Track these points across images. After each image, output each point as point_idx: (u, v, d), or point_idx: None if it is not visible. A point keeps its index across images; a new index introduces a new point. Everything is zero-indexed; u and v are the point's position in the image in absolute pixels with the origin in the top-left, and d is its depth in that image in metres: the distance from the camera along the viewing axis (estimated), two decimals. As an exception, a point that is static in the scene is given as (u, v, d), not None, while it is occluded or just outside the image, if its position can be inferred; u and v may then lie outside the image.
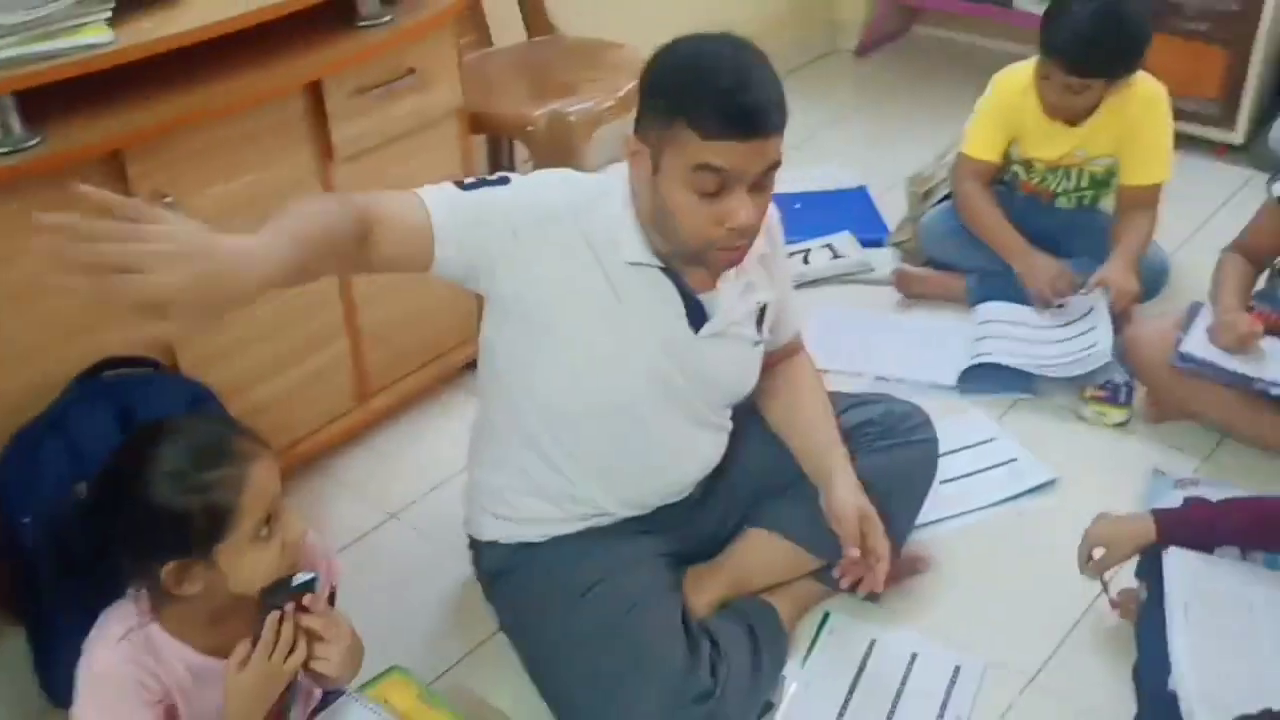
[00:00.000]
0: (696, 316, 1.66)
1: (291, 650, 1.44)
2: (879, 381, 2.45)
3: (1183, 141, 2.64)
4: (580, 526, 1.78)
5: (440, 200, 1.53)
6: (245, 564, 1.40)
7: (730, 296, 1.68)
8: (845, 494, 1.73)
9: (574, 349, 1.63)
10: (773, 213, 1.70)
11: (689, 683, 1.63)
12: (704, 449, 1.81)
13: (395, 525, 2.17)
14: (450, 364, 2.43)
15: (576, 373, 1.64)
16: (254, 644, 1.44)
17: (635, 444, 1.72)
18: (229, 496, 1.37)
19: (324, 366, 2.18)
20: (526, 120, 2.45)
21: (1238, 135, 3.25)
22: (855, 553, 1.69)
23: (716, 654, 1.71)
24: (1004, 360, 2.42)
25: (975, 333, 2.53)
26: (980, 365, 2.43)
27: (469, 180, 1.60)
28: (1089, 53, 2.34)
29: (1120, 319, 2.42)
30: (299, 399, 2.16)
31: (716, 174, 1.48)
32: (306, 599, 1.46)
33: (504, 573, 1.81)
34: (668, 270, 1.63)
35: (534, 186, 1.61)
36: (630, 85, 2.55)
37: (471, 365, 2.47)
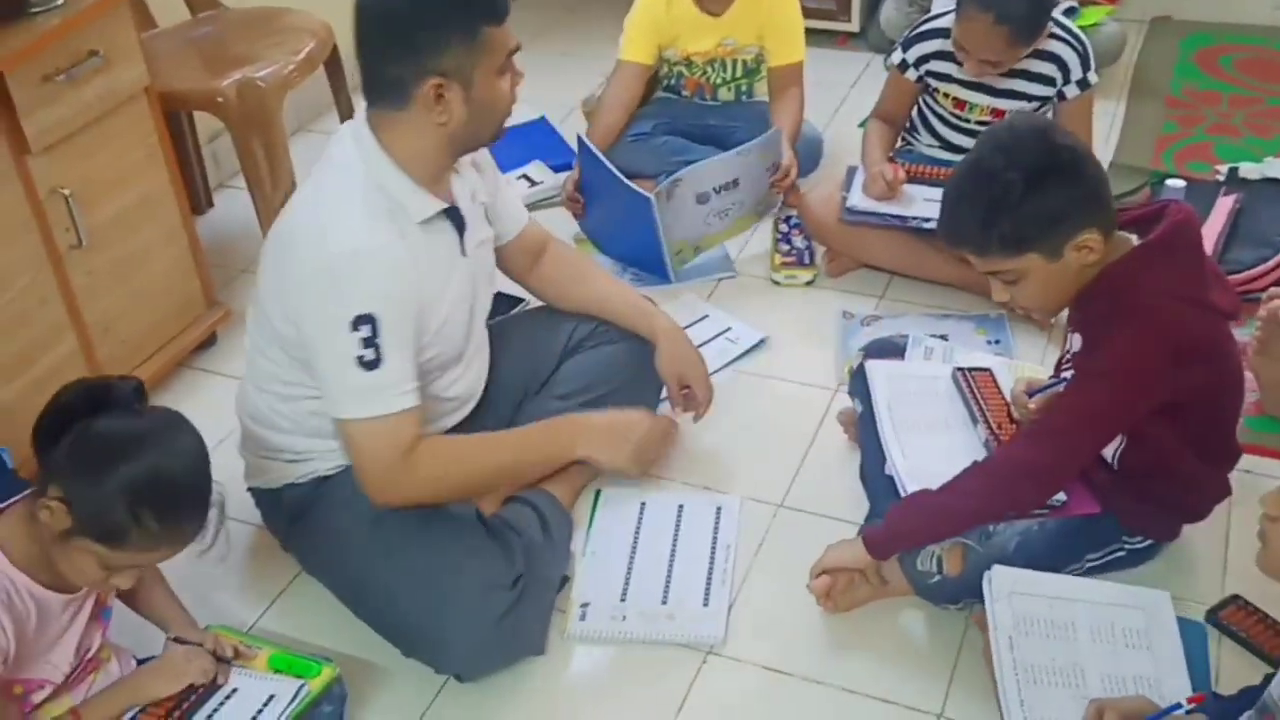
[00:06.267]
0: (461, 239, 1.81)
1: None
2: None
3: (810, 36, 2.97)
4: None
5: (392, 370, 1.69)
6: None
7: (467, 205, 1.84)
8: (666, 357, 2.06)
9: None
10: None
11: (498, 568, 1.78)
12: (487, 351, 1.99)
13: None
14: (184, 345, 2.43)
15: (437, 339, 1.80)
16: None
17: (453, 370, 1.88)
18: None
19: (55, 367, 2.12)
20: (215, 92, 2.46)
21: (854, 24, 3.68)
22: (680, 409, 2.11)
23: (515, 538, 1.86)
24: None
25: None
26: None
27: (370, 360, 1.67)
28: None
29: (787, 193, 2.75)
30: (33, 405, 2.10)
31: (516, 48, 1.70)
32: None
33: (302, 512, 1.87)
34: (446, 210, 1.77)
35: (345, 263, 1.66)
36: (310, 45, 2.61)
37: (205, 344, 2.50)
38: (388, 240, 1.68)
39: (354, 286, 1.66)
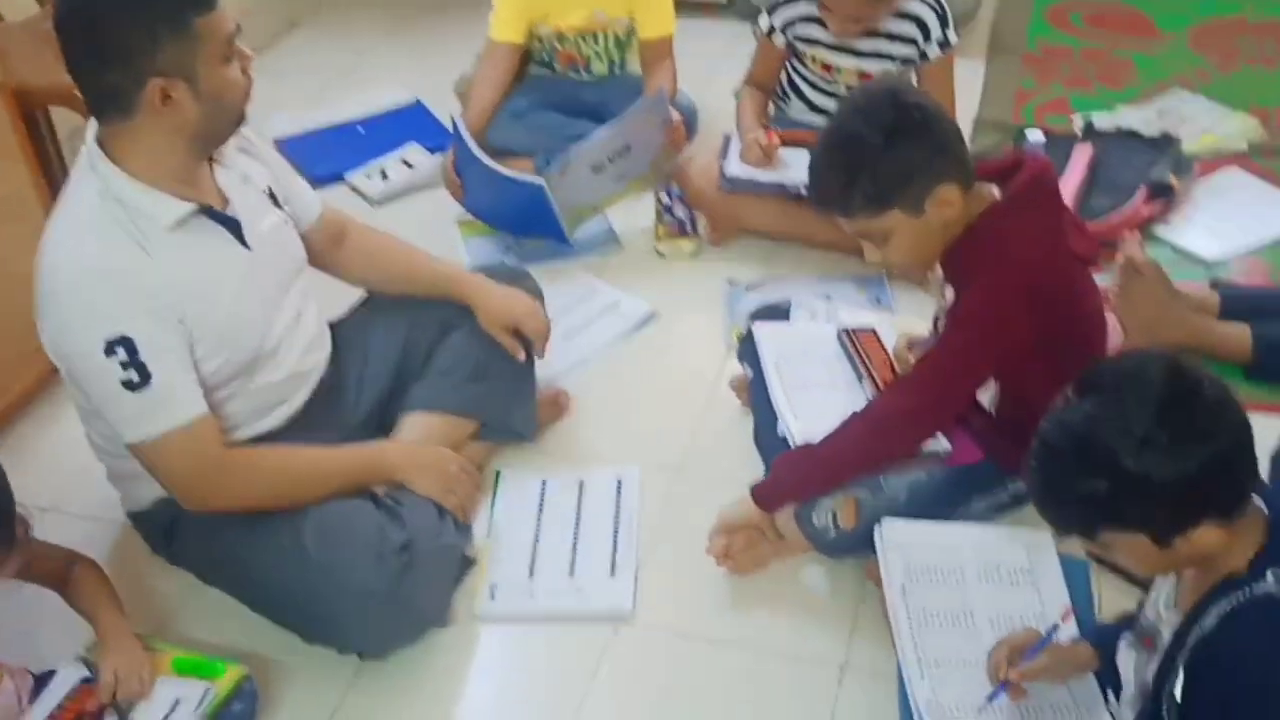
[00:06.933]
0: (237, 233, 1.76)
1: None
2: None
3: (679, 7, 2.97)
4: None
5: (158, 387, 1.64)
6: None
7: (239, 194, 1.79)
8: (484, 315, 2.04)
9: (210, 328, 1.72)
10: None
11: (386, 538, 1.77)
12: (312, 321, 1.95)
13: (54, 517, 2.10)
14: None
15: (223, 343, 1.73)
16: None
17: (266, 365, 1.82)
18: None
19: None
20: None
21: (722, -5, 3.71)
22: (521, 357, 2.08)
23: (401, 507, 1.85)
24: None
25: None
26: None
27: (135, 381, 1.62)
28: None
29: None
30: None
31: (235, 32, 1.63)
32: None
33: (176, 522, 1.84)
34: (203, 209, 1.70)
35: (78, 291, 1.62)
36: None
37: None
38: (123, 258, 1.62)
39: (95, 312, 1.61)
